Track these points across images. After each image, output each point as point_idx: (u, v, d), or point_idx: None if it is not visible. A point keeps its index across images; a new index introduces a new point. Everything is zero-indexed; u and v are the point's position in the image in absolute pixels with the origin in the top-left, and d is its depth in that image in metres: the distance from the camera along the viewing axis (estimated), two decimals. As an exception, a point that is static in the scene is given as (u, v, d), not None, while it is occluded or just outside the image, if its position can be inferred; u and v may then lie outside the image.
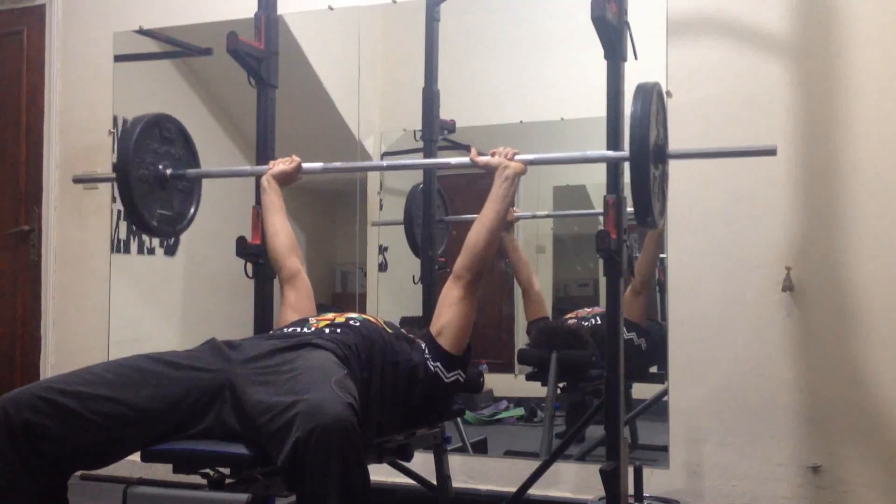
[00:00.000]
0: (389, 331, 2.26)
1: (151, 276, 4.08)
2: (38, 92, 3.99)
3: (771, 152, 2.23)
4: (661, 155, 2.22)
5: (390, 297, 3.56)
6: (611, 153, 2.30)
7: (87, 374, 1.86)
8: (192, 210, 2.77)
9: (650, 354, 3.31)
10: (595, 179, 2.57)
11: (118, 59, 3.91)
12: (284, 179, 2.63)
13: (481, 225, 2.28)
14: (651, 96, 2.11)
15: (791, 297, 2.85)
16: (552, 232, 3.97)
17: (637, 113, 2.08)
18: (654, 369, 3.34)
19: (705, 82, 2.98)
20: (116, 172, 2.53)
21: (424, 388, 2.19)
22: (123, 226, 3.93)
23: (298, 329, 2.17)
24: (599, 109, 2.37)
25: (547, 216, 3.88)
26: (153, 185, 2.60)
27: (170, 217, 2.68)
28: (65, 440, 1.78)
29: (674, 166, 2.37)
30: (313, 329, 2.15)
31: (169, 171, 2.65)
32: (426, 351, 2.23)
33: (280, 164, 2.63)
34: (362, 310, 4.02)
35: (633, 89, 2.14)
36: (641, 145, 2.07)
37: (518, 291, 3.97)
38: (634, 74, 2.42)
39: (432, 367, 2.20)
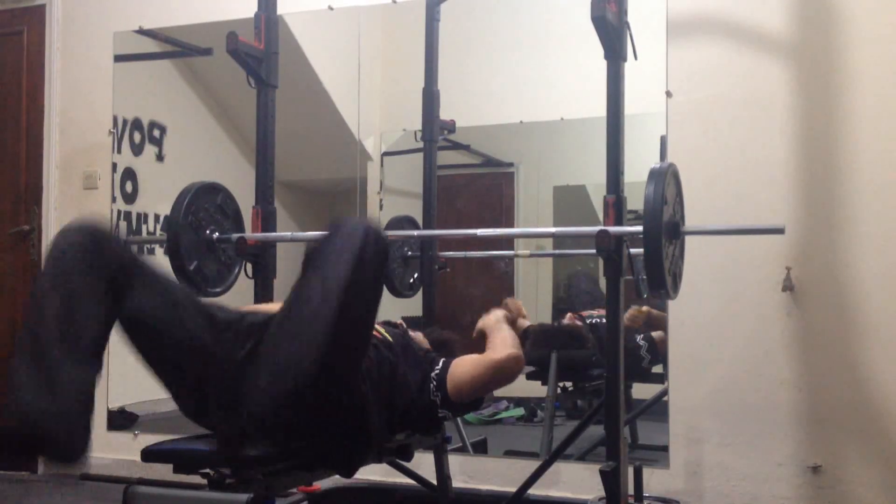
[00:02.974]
0: (390, 339, 2.21)
1: (151, 276, 4.07)
2: (38, 92, 3.99)
3: (779, 231, 2.30)
4: (675, 232, 2.25)
5: (390, 296, 3.56)
6: (630, 228, 2.31)
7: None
8: (224, 285, 2.88)
9: (650, 364, 3.33)
10: (595, 179, 2.57)
11: (118, 59, 3.91)
12: None
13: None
14: (664, 178, 2.15)
15: (791, 297, 2.85)
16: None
17: (650, 195, 2.13)
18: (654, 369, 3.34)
19: (705, 82, 2.98)
20: (171, 214, 2.67)
21: (418, 406, 2.17)
22: (123, 226, 3.93)
23: None
24: (599, 109, 2.37)
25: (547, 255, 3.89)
26: (199, 240, 2.75)
27: (205, 276, 2.78)
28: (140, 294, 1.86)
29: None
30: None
31: (216, 236, 2.79)
32: (435, 376, 2.19)
33: None
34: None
35: (648, 171, 2.18)
36: (655, 223, 2.11)
37: (518, 291, 3.98)
38: (634, 74, 2.42)
39: (432, 394, 2.17)
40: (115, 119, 3.90)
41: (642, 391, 3.34)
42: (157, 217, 4.04)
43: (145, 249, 4.03)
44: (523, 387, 3.78)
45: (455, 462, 3.01)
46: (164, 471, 1.91)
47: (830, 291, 2.83)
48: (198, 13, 3.75)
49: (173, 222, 2.65)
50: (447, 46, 3.31)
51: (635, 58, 2.39)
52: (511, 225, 4.00)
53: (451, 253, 3.44)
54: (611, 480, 2.23)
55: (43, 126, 3.98)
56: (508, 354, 2.19)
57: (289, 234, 2.85)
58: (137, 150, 3.99)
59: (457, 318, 4.12)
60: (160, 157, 4.07)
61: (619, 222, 2.31)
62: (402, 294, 3.44)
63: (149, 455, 1.87)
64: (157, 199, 4.03)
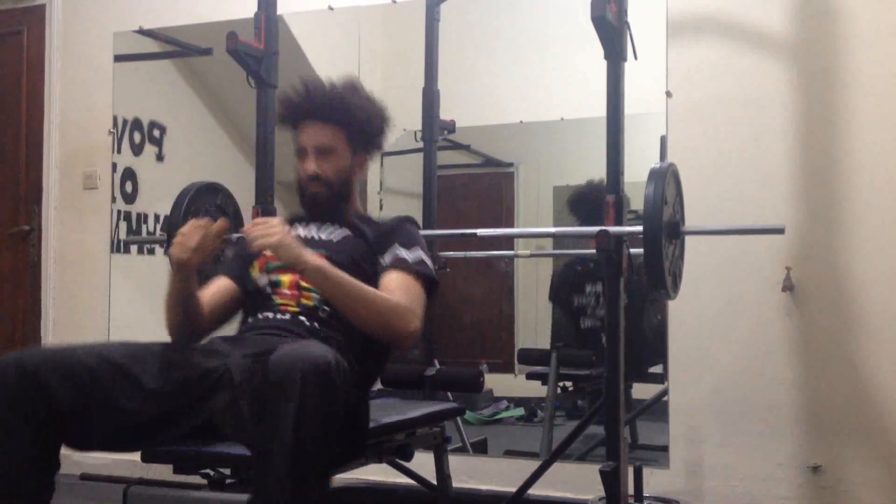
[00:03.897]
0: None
1: (151, 276, 4.07)
2: (38, 92, 3.99)
3: (779, 231, 2.29)
4: (675, 232, 2.25)
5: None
6: (630, 228, 2.30)
7: (97, 345, 1.83)
8: None
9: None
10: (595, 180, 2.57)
11: (118, 59, 3.91)
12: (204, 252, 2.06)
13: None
14: (664, 178, 2.15)
15: (791, 297, 2.85)
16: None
17: (650, 195, 2.13)
18: (653, 369, 3.34)
19: (705, 82, 2.98)
20: (171, 214, 2.64)
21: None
22: (123, 226, 3.93)
23: (272, 315, 2.07)
24: (599, 109, 2.37)
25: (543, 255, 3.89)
26: None
27: (205, 276, 2.72)
28: (69, 399, 1.73)
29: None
30: (288, 317, 2.05)
31: None
32: None
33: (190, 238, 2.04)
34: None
35: (648, 171, 2.18)
36: (655, 223, 2.11)
37: (518, 291, 3.98)
38: (634, 74, 2.42)
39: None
40: (115, 119, 3.90)
41: (642, 391, 3.34)
42: (157, 217, 4.04)
43: (145, 250, 4.04)
44: (523, 387, 3.79)
45: (455, 462, 3.00)
46: (164, 471, 1.92)
47: (830, 291, 2.83)
48: (198, 13, 3.75)
49: (173, 222, 2.65)
50: (447, 46, 3.31)
51: (635, 58, 2.39)
52: (511, 225, 4.00)
53: (451, 253, 3.44)
54: (611, 480, 2.23)
55: (43, 126, 3.98)
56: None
57: (289, 234, 2.84)
58: (137, 150, 3.99)
59: (457, 318, 4.12)
60: (160, 157, 4.07)
61: (619, 222, 2.32)
62: (402, 294, 3.43)
63: (149, 455, 1.87)
64: (157, 199, 4.02)
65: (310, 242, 2.12)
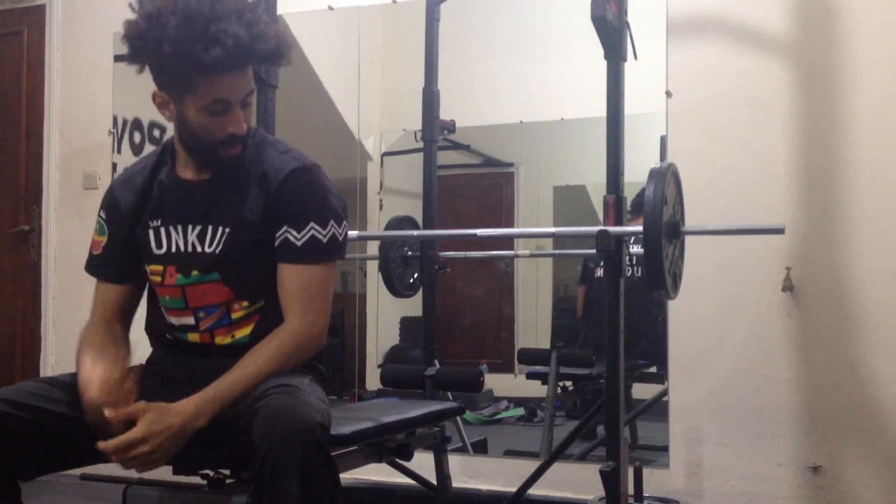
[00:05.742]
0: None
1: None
2: (38, 92, 3.99)
3: (779, 231, 2.31)
4: (675, 232, 2.26)
5: (390, 296, 3.56)
6: (630, 228, 2.31)
7: (32, 383, 1.77)
8: None
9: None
10: (595, 179, 2.57)
11: (118, 59, 3.90)
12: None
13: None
14: (664, 178, 2.15)
15: (791, 297, 2.85)
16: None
17: (650, 195, 2.13)
18: (653, 369, 3.34)
19: (705, 82, 2.98)
20: None
21: None
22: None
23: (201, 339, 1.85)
24: (599, 109, 2.37)
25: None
26: None
27: None
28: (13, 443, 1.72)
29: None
30: (227, 342, 1.85)
31: None
32: None
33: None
34: (362, 310, 4.01)
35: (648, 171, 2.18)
36: (655, 223, 2.12)
37: (518, 291, 3.98)
38: (634, 74, 2.42)
39: None
40: (115, 119, 3.89)
41: (642, 391, 3.34)
42: (157, 217, 4.03)
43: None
44: (523, 387, 3.79)
45: (455, 462, 3.01)
46: (163, 471, 1.91)
47: (830, 291, 2.83)
48: (198, 13, 3.75)
49: None
50: (447, 46, 3.31)
51: (635, 58, 2.39)
52: (511, 225, 4.01)
53: (451, 253, 3.44)
54: (611, 480, 2.23)
55: (43, 126, 3.98)
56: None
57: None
58: (137, 150, 3.99)
59: (457, 318, 4.13)
60: (160, 157, 4.07)
61: (619, 222, 2.32)
62: (402, 294, 3.45)
63: (149, 455, 1.86)
64: (157, 199, 4.02)
65: (185, 257, 1.81)
